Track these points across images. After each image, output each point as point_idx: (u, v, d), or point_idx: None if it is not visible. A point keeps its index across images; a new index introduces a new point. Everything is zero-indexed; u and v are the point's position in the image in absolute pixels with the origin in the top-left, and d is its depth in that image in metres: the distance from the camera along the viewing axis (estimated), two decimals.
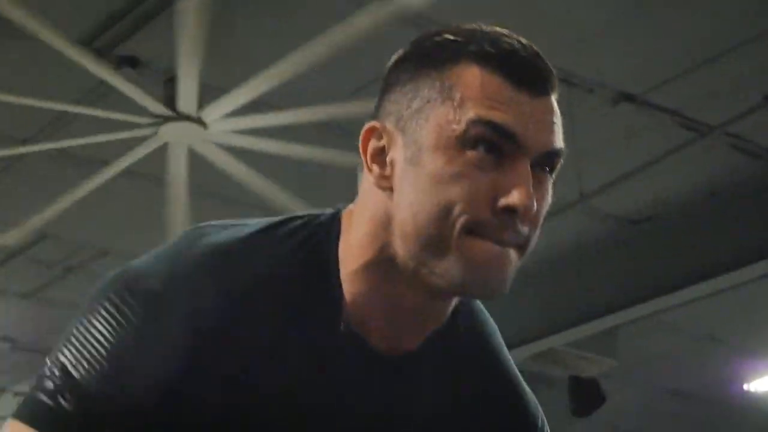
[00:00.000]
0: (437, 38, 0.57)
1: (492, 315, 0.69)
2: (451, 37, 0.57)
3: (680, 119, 2.91)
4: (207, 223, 0.66)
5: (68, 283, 3.73)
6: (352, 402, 0.63)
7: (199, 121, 2.57)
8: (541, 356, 3.73)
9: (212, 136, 2.65)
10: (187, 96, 2.50)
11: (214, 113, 2.56)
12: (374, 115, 0.60)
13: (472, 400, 0.67)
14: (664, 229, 3.32)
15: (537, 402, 0.70)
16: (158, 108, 2.55)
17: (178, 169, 2.67)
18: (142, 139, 2.64)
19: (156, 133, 2.60)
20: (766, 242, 2.99)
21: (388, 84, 0.59)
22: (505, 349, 0.71)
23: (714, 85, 2.80)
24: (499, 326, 0.70)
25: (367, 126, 0.59)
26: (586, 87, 2.73)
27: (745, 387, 4.67)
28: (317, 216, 0.63)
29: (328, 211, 0.64)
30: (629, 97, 2.81)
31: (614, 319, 3.47)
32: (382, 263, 0.59)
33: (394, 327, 0.61)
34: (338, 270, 0.60)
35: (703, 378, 4.51)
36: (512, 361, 0.71)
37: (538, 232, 0.57)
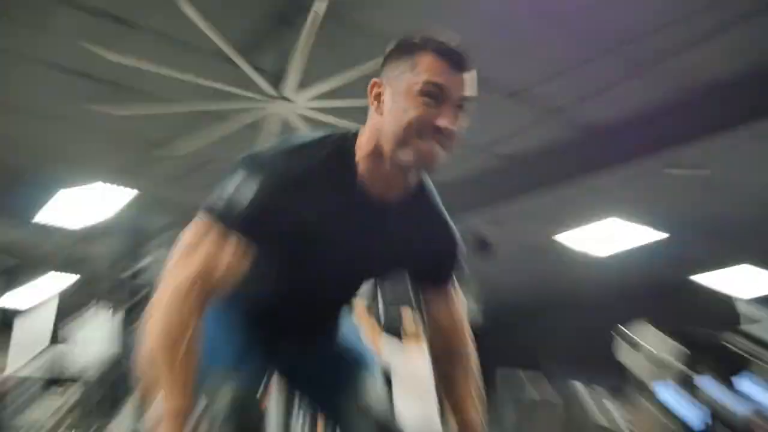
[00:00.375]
0: (412, 38, 0.98)
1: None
2: (418, 39, 0.98)
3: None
4: (289, 135, 1.08)
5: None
6: (362, 229, 1.07)
7: (291, 101, 3.20)
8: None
9: (301, 110, 3.31)
10: (290, 82, 3.11)
11: (306, 95, 3.20)
12: (377, 75, 1.00)
13: (426, 229, 1.13)
14: None
15: (458, 234, 1.16)
16: (267, 89, 3.25)
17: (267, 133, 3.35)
18: (253, 110, 3.36)
19: (264, 107, 3.27)
20: None
21: (385, 59, 1.00)
22: (442, 206, 1.16)
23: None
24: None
25: (372, 81, 1.00)
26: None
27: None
28: (347, 131, 1.05)
29: (354, 128, 1.06)
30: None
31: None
32: (375, 152, 1.00)
33: (384, 187, 1.03)
34: (354, 156, 1.03)
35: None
36: (446, 213, 1.17)
37: (455, 140, 0.97)
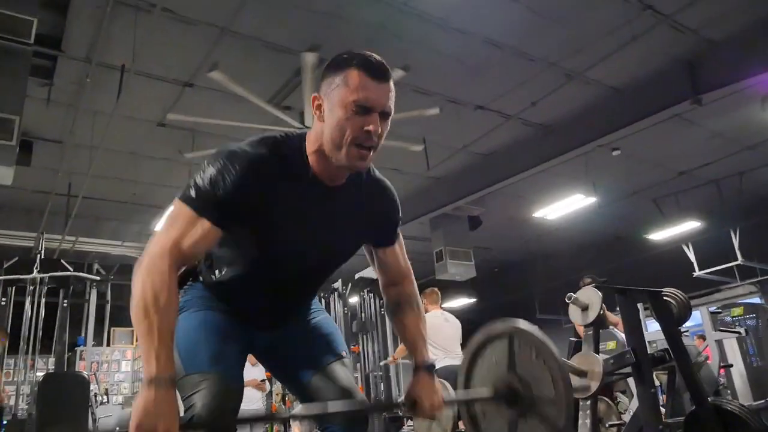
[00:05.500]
0: (342, 56, 1.12)
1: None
2: (347, 56, 1.11)
3: None
4: (258, 135, 1.15)
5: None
6: (316, 209, 1.20)
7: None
8: None
9: None
10: (308, 115, 4.26)
11: None
12: (317, 90, 1.14)
13: (372, 202, 1.27)
14: None
15: (399, 202, 1.32)
16: (295, 123, 4.57)
17: None
18: None
19: None
20: None
21: (323, 76, 1.14)
22: (384, 179, 1.30)
23: None
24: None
25: (313, 95, 1.14)
26: None
27: None
28: (300, 132, 1.20)
29: (304, 131, 1.21)
30: None
31: None
32: (320, 151, 1.15)
33: (330, 176, 1.18)
34: (305, 152, 1.18)
35: None
36: (386, 181, 1.30)
37: (381, 144, 1.12)
